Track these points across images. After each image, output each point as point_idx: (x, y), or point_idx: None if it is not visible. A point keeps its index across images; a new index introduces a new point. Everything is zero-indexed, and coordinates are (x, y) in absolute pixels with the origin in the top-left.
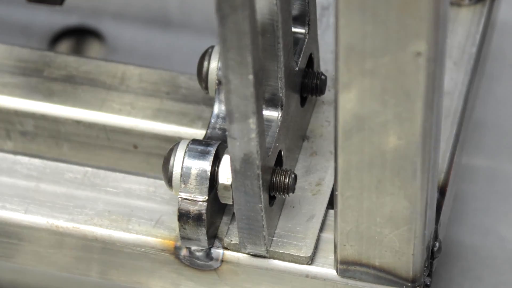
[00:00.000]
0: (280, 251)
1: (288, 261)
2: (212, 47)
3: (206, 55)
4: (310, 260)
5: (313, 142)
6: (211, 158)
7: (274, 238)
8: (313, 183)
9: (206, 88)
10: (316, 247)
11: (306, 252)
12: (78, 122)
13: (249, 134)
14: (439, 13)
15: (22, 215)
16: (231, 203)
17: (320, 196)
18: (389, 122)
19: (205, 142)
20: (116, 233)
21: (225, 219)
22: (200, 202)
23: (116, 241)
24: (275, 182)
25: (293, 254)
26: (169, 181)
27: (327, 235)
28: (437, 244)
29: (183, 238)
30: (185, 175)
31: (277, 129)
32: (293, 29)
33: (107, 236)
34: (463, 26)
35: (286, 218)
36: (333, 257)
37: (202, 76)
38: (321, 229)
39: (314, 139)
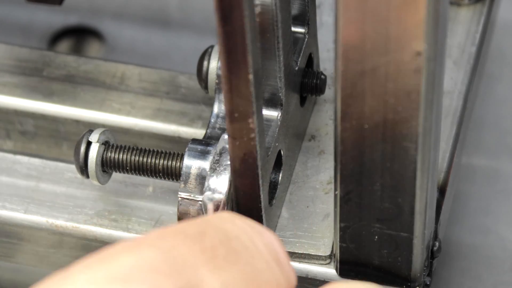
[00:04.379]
0: (299, 251)
1: (308, 261)
2: (212, 46)
3: (206, 54)
4: (329, 259)
5: (320, 141)
6: (211, 157)
7: (291, 239)
8: (324, 182)
9: (206, 87)
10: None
11: (325, 251)
12: (78, 122)
13: (249, 134)
14: (439, 12)
15: (22, 215)
16: None
17: (332, 194)
18: (388, 121)
19: (205, 141)
20: (116, 233)
21: None
22: (200, 202)
23: (116, 240)
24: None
25: (312, 254)
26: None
27: None
28: (437, 243)
29: None
30: (185, 175)
31: (277, 129)
32: (293, 29)
33: (107, 236)
34: (462, 25)
35: (301, 218)
36: None
37: (202, 76)
38: None
39: (320, 138)
